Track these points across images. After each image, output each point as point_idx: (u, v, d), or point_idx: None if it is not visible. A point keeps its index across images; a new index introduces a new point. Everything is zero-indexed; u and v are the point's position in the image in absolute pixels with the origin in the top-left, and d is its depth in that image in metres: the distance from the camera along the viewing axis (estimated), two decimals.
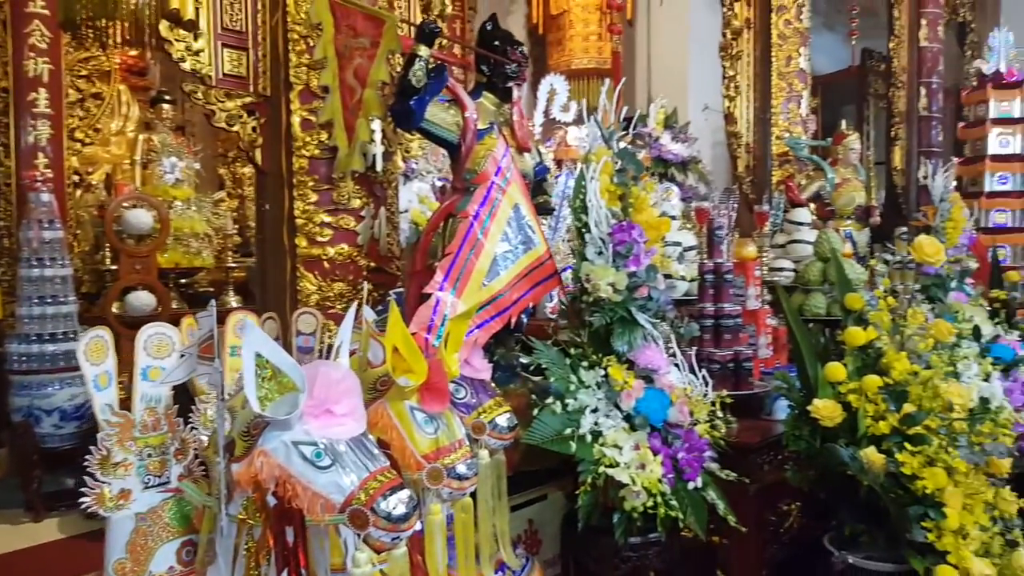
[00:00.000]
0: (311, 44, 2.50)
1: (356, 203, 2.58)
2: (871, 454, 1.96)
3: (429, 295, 1.91)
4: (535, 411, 1.99)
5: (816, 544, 2.34)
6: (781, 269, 3.72)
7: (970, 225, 4.03)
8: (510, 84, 2.48)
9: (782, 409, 2.64)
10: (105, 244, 4.23)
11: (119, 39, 4.86)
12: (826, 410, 2.07)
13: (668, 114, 4.84)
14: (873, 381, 2.05)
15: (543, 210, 2.63)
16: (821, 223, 4.12)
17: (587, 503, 1.88)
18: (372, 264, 2.67)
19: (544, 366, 2.00)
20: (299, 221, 2.55)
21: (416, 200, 3.44)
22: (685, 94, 6.05)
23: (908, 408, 1.97)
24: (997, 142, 5.67)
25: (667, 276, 2.25)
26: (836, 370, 2.11)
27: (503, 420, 1.91)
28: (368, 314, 1.73)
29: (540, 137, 4.31)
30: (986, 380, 2.50)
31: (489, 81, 2.49)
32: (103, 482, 1.47)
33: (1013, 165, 5.64)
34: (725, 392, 2.24)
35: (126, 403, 1.56)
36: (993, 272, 3.54)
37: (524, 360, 2.58)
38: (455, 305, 1.90)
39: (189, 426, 1.61)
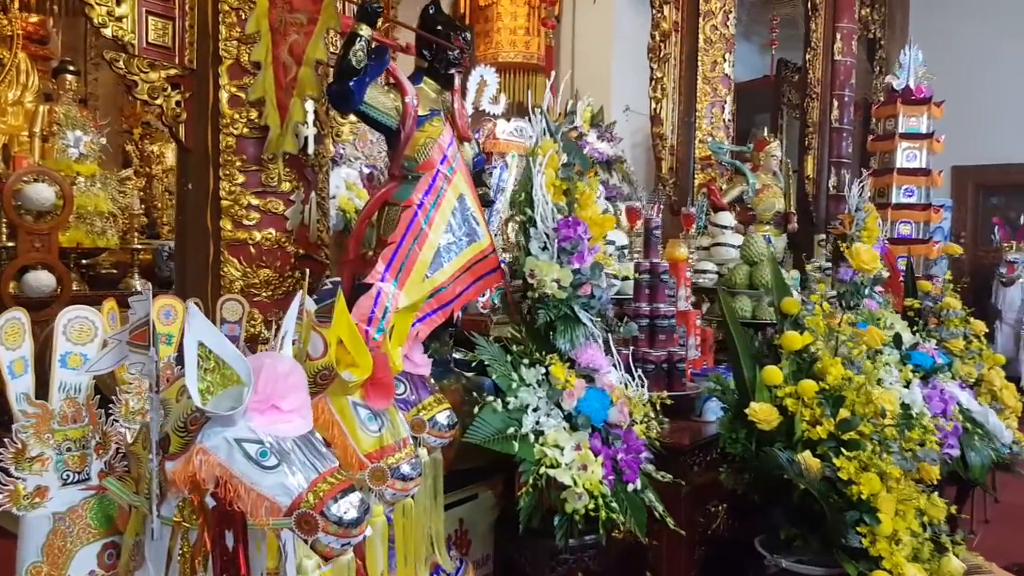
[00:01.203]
0: (243, 17, 2.35)
1: (286, 186, 2.45)
2: (808, 458, 2.00)
3: (369, 285, 1.83)
4: (476, 409, 1.94)
5: (744, 546, 2.38)
6: (705, 271, 3.80)
7: (883, 235, 4.23)
8: (452, 71, 2.41)
9: (712, 411, 2.69)
10: (1, 220, 3.91)
11: (19, 2, 4.53)
12: (763, 413, 2.10)
13: (594, 112, 4.86)
14: (810, 386, 2.10)
15: (483, 202, 2.58)
16: (742, 228, 4.23)
17: (528, 505, 1.85)
18: (300, 251, 2.54)
19: (486, 362, 1.95)
20: (224, 203, 2.40)
21: (343, 186, 3.33)
22: (608, 94, 6.10)
23: (844, 413, 2.03)
24: (904, 156, 5.96)
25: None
26: (773, 374, 2.15)
27: (443, 417, 1.85)
28: (308, 303, 1.64)
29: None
30: (906, 387, 2.61)
31: (430, 66, 2.41)
32: (17, 478, 1.32)
33: (919, 178, 5.94)
34: (662, 393, 2.25)
35: None
36: (907, 281, 3.71)
37: (458, 355, 2.54)
38: (397, 296, 1.83)
39: (111, 418, 1.47)
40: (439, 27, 2.39)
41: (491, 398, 1.94)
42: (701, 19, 4.73)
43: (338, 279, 1.97)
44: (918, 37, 6.13)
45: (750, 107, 7.99)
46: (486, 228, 2.03)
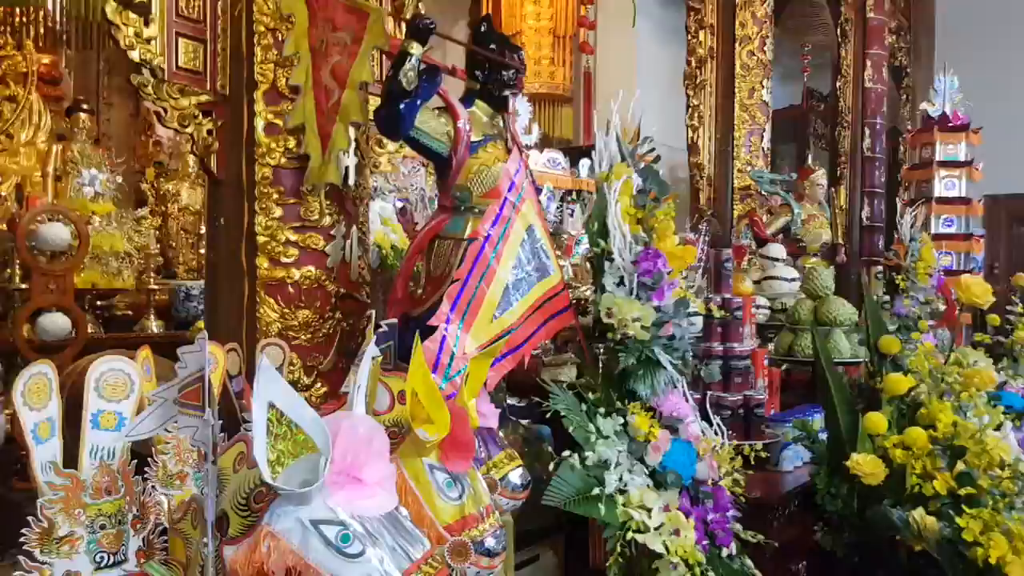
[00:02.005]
0: (280, 38, 2.18)
1: (327, 220, 2.26)
2: (924, 517, 1.76)
3: (433, 328, 1.62)
4: (551, 467, 1.71)
5: None
6: (758, 306, 3.58)
7: (939, 266, 4.01)
8: (506, 93, 2.23)
9: (790, 459, 2.45)
10: (14, 261, 3.73)
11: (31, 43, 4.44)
12: (868, 466, 1.87)
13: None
14: (920, 434, 1.87)
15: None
16: (791, 260, 4.02)
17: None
18: (341, 290, 2.34)
19: (562, 414, 1.73)
20: (260, 239, 2.20)
21: (379, 221, 3.14)
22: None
23: (961, 466, 1.79)
24: (943, 184, 5.77)
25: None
26: (878, 421, 1.92)
27: (516, 477, 1.63)
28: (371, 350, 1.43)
29: None
30: (997, 430, 2.38)
31: (483, 88, 2.23)
32: (43, 563, 1.10)
33: (958, 208, 5.74)
34: (747, 442, 2.02)
35: None
36: (975, 317, 3.47)
37: (512, 402, 2.32)
38: (463, 340, 1.62)
39: (147, 484, 1.26)
40: (492, 45, 2.22)
41: (567, 453, 1.71)
42: (737, 45, 4.58)
43: (393, 320, 1.77)
44: (944, 65, 5.99)
45: (779, 137, 7.85)
46: (556, 262, 1.82)
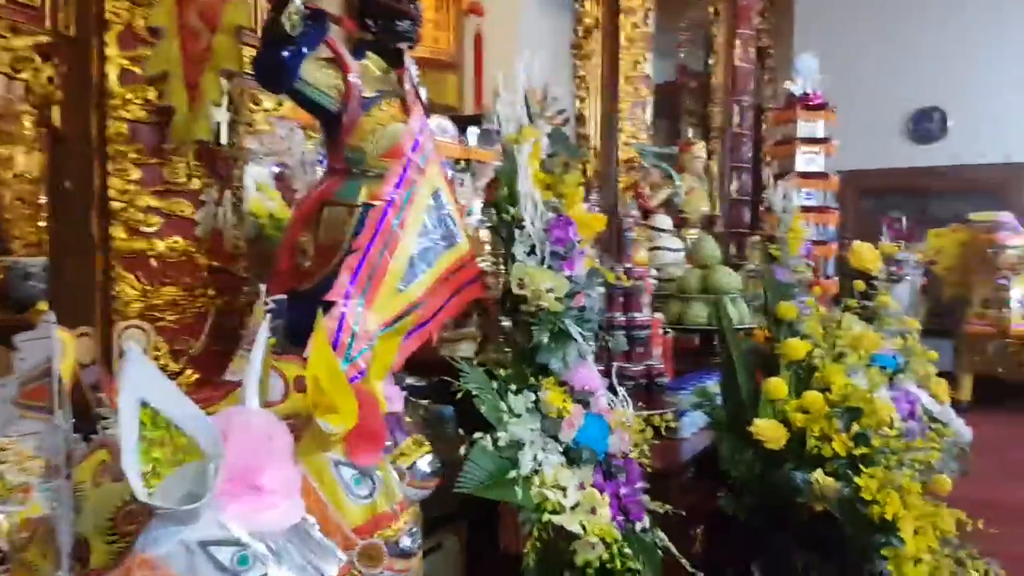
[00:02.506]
0: None
1: (195, 183, 2.00)
2: (824, 479, 1.77)
3: (330, 303, 1.44)
4: (461, 450, 1.58)
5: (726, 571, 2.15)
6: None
7: (808, 237, 4.16)
8: (402, 45, 2.05)
9: (687, 426, 2.44)
10: None
11: None
12: (771, 431, 1.87)
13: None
14: (817, 398, 1.88)
15: None
16: (676, 231, 4.06)
17: (536, 563, 1.51)
18: (214, 263, 2.09)
19: (474, 393, 1.59)
20: (115, 205, 1.91)
21: (253, 188, 2.86)
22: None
23: (857, 427, 1.82)
24: (804, 160, 6.05)
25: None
26: (778, 386, 1.92)
27: (425, 464, 1.49)
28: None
29: None
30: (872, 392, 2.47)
31: (375, 40, 2.04)
32: None
33: (817, 182, 6.04)
34: (656, 412, 1.96)
35: None
36: (842, 284, 3.63)
37: (411, 381, 2.17)
38: (366, 317, 1.45)
39: None
40: None
41: (479, 435, 1.59)
42: (622, 16, 4.54)
43: (282, 297, 1.57)
44: (803, 46, 6.27)
45: (654, 112, 7.98)
46: (464, 230, 1.68)
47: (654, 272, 3.58)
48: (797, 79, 6.42)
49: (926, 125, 8.88)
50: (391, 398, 1.52)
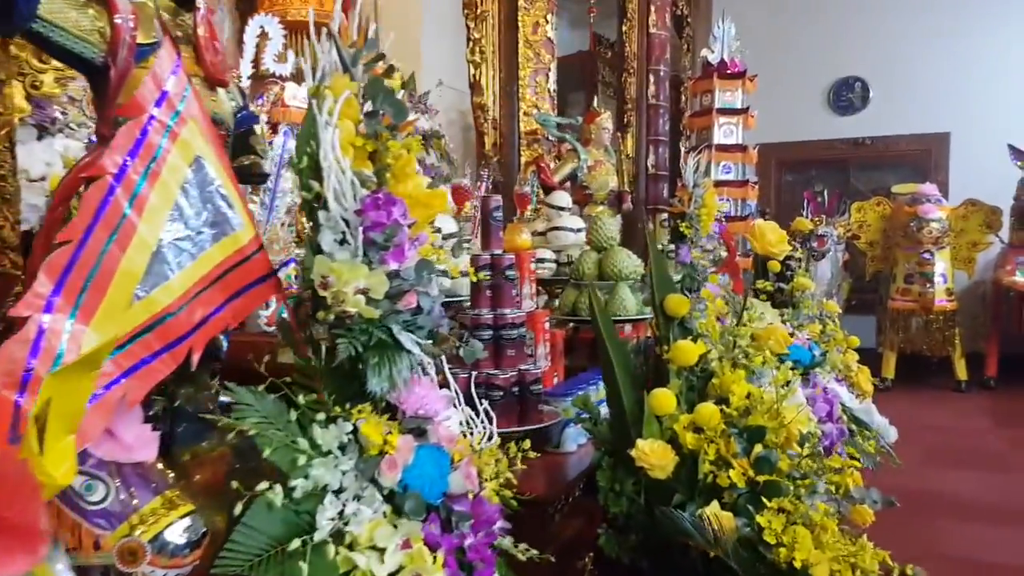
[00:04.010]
0: None
1: None
2: (720, 516, 1.45)
3: (18, 321, 1.02)
4: (239, 506, 1.19)
5: None
6: (543, 260, 3.24)
7: (721, 212, 3.90)
8: None
9: (573, 437, 2.11)
10: None
11: None
12: (655, 456, 1.53)
13: (405, 80, 4.16)
14: (711, 412, 1.55)
15: (250, 177, 1.81)
16: (578, 209, 3.72)
17: None
18: None
19: (251, 431, 1.20)
20: None
21: (60, 164, 2.38)
22: (419, 63, 5.40)
23: (760, 449, 1.50)
24: (721, 132, 5.81)
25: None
26: (665, 399, 1.59)
27: (176, 533, 1.11)
28: None
29: (248, 93, 3.38)
30: (785, 387, 2.19)
31: None
32: None
33: (735, 155, 5.81)
34: (520, 429, 1.62)
35: None
36: (756, 264, 3.34)
37: (227, 399, 1.76)
38: (81, 335, 1.04)
39: None
40: None
41: (264, 486, 1.20)
42: None
43: None
44: (721, 14, 6.04)
45: (567, 84, 7.65)
46: (247, 213, 1.28)
47: (551, 255, 3.24)
48: (714, 47, 6.18)
49: (847, 95, 8.79)
50: (134, 446, 1.12)
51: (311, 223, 1.35)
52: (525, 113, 4.22)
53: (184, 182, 1.17)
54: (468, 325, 1.89)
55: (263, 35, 3.40)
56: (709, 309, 1.74)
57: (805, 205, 7.00)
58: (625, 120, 6.59)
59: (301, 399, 1.29)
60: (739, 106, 5.92)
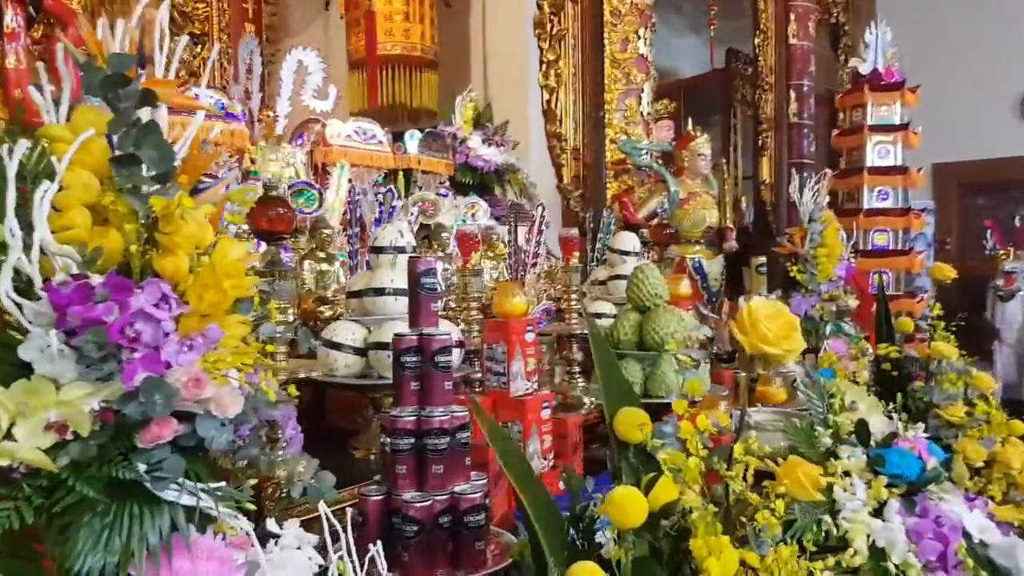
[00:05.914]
0: None
1: None
2: None
3: None
4: None
5: None
6: (600, 315, 2.69)
7: (847, 251, 3.14)
8: None
9: None
10: None
11: None
12: None
13: (480, 110, 3.78)
14: None
15: None
16: (659, 251, 3.12)
17: None
18: None
19: None
20: None
21: None
22: (525, 89, 5.02)
23: None
24: (875, 152, 4.89)
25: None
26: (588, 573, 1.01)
27: None
28: None
29: (287, 133, 3.13)
30: (878, 513, 1.53)
31: None
32: None
33: (894, 178, 4.85)
34: None
35: None
36: (880, 317, 2.53)
37: None
38: None
39: None
40: None
41: None
42: None
43: None
44: (885, 20, 5.15)
45: (702, 107, 6.98)
46: None
47: (609, 309, 2.69)
48: (866, 55, 5.31)
49: None
50: None
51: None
52: (611, 141, 3.68)
53: None
54: (388, 429, 1.41)
55: (301, 69, 3.14)
56: (685, 430, 1.13)
57: (987, 235, 5.81)
58: (761, 143, 5.85)
59: None
60: (897, 121, 4.98)
